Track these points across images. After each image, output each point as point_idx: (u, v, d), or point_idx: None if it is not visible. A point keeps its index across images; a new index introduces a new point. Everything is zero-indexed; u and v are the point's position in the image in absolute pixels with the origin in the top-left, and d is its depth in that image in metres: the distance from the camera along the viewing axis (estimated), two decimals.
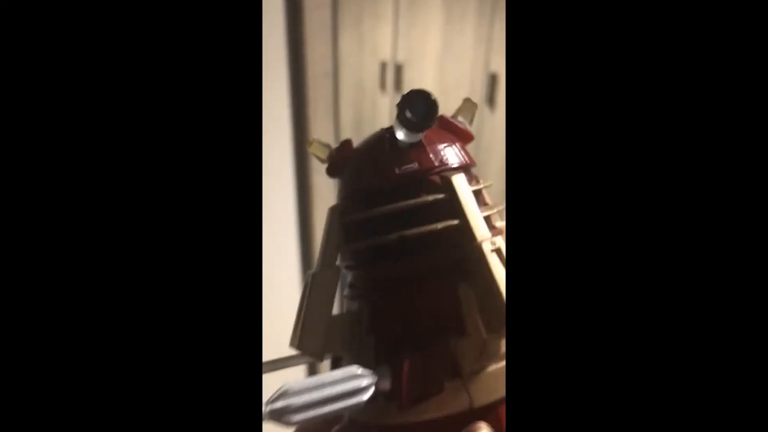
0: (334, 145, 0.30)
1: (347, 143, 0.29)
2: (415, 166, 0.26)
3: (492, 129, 1.77)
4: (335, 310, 0.27)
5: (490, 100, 1.71)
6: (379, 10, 2.02)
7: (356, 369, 0.23)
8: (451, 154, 0.27)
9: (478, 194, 0.27)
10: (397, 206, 0.25)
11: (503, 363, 0.24)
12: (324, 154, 0.30)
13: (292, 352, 0.27)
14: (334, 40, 0.90)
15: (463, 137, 0.29)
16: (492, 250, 0.24)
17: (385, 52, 1.96)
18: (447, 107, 1.20)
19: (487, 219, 0.26)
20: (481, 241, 0.24)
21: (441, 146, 0.27)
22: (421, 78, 1.87)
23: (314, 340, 0.25)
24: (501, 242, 0.24)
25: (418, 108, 0.23)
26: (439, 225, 0.25)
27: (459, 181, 0.26)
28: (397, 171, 0.26)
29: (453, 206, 0.25)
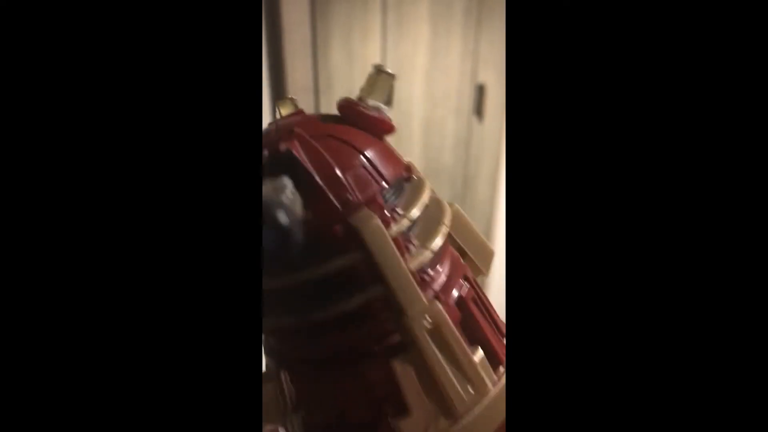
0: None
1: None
2: (308, 215, 0.19)
3: (480, 139, 1.84)
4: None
5: (479, 111, 1.78)
6: (368, 26, 2.08)
7: None
8: (361, 180, 0.20)
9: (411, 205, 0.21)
10: (293, 278, 0.19)
11: (457, 428, 0.20)
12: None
13: None
14: (314, 56, 0.93)
15: (379, 129, 0.22)
16: (427, 329, 0.19)
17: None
18: (435, 117, 1.20)
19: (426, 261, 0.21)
20: (411, 318, 0.19)
21: (341, 171, 0.20)
22: (410, 90, 1.93)
23: None
24: (438, 308, 0.19)
25: (268, 240, 0.17)
26: (355, 299, 0.19)
27: (372, 233, 0.19)
28: (288, 228, 0.19)
29: (370, 268, 0.19)
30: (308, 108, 1.08)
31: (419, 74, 1.94)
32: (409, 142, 2.02)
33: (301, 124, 0.21)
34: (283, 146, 0.19)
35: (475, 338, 0.21)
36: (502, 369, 0.21)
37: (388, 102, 0.23)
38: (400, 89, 1.99)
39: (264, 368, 0.23)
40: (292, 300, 0.20)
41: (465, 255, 0.24)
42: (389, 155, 0.22)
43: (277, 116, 0.25)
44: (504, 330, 0.22)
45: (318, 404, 0.22)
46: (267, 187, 0.18)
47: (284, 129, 0.20)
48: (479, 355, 0.20)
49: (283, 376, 0.22)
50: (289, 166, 0.18)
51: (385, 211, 0.20)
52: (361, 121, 0.22)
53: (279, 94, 1.01)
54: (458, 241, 0.24)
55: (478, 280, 0.24)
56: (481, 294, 0.22)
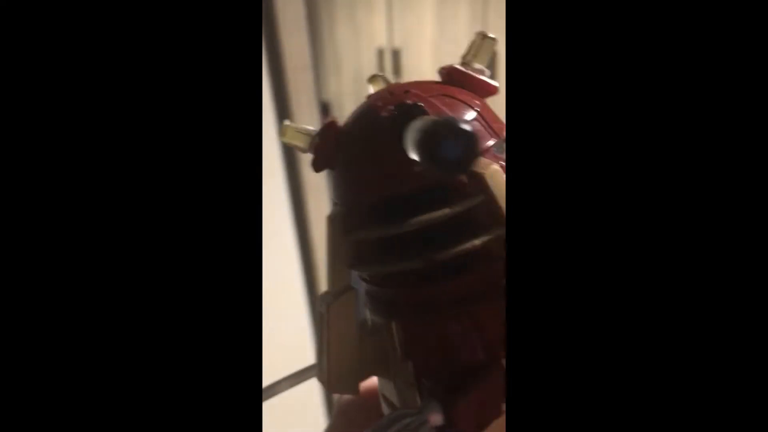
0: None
1: (331, 126, 0.22)
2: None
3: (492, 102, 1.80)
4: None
5: (491, 77, 1.74)
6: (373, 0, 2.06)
7: (407, 416, 0.21)
8: (482, 132, 0.20)
9: None
10: (415, 223, 0.19)
11: None
12: (304, 143, 0.23)
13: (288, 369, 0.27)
14: (311, 32, 0.91)
15: (484, 91, 0.22)
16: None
17: (382, 40, 2.00)
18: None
19: None
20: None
21: (470, 121, 0.20)
22: (419, 62, 1.90)
23: (343, 378, 0.22)
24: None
25: (450, 151, 0.16)
26: (476, 241, 0.20)
27: (495, 178, 0.19)
28: (406, 174, 0.19)
29: (491, 211, 0.19)
30: (307, 87, 1.03)
31: (427, 45, 1.92)
32: None
33: (414, 86, 0.21)
34: (411, 100, 0.19)
35: None
36: None
37: (490, 66, 0.23)
38: (408, 61, 1.97)
39: (367, 324, 0.24)
40: (416, 243, 0.20)
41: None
42: (494, 116, 0.22)
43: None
44: None
45: (432, 349, 0.22)
46: (422, 121, 0.17)
47: (398, 91, 0.20)
48: None
49: (394, 326, 0.22)
50: (418, 110, 0.19)
51: (499, 161, 0.20)
52: (468, 82, 0.22)
53: (276, 73, 0.99)
54: (498, 200, 0.24)
55: None
56: None
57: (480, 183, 0.19)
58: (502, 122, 0.22)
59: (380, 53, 1.98)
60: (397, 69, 1.92)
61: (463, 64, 0.23)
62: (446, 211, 0.19)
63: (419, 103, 0.19)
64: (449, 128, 0.16)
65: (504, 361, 0.21)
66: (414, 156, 0.16)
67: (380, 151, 0.21)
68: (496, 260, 0.20)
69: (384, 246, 0.21)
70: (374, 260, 0.21)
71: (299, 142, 0.23)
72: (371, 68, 2.03)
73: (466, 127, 0.16)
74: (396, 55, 1.91)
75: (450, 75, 0.22)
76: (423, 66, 1.88)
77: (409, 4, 1.89)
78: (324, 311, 0.22)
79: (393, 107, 0.20)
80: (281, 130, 0.23)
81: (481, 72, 0.23)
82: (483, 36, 0.23)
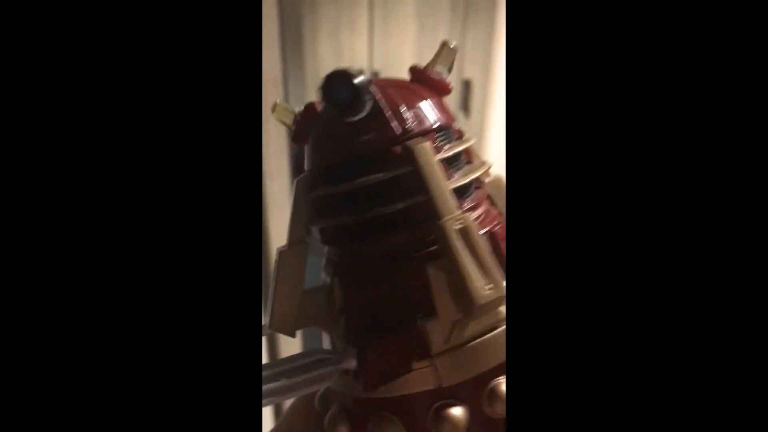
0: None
1: (311, 106, 0.26)
2: (372, 135, 0.23)
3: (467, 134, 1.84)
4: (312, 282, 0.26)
5: (465, 107, 1.79)
6: (356, 21, 2.09)
7: (319, 353, 0.23)
8: (419, 117, 0.24)
9: (458, 156, 0.25)
10: (354, 184, 0.23)
11: (473, 343, 0.23)
12: (289, 119, 0.27)
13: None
14: (282, 48, 0.93)
15: (438, 90, 0.26)
16: (457, 229, 0.22)
17: (362, 61, 2.03)
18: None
19: (470, 183, 0.25)
20: (445, 220, 0.22)
21: (406, 108, 0.23)
22: None
23: (284, 319, 0.25)
24: (470, 218, 0.22)
25: (339, 93, 0.21)
26: (400, 204, 0.23)
27: (422, 152, 0.23)
28: (351, 144, 0.23)
29: (418, 180, 0.22)
30: (277, 99, 1.05)
31: (406, 70, 1.95)
32: None
33: (379, 79, 0.25)
34: (365, 82, 0.22)
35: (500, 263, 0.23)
36: None
37: (449, 70, 0.27)
38: None
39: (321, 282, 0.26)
40: (353, 203, 0.23)
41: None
42: (444, 110, 0.25)
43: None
44: None
45: (359, 307, 0.24)
46: (338, 73, 0.21)
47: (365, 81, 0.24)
48: (502, 274, 0.22)
49: (334, 284, 0.25)
50: (370, 92, 0.22)
51: (435, 142, 0.24)
52: (426, 80, 0.26)
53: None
54: (497, 204, 0.27)
55: None
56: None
57: (410, 155, 0.22)
58: (453, 118, 0.25)
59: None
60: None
61: (427, 66, 0.26)
62: (379, 175, 0.23)
63: (357, 71, 0.22)
64: (338, 75, 0.20)
65: (420, 323, 0.23)
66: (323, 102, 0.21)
67: (330, 125, 0.24)
68: (419, 224, 0.23)
69: (329, 204, 0.24)
70: (322, 216, 0.25)
71: (285, 118, 0.27)
72: None
73: (355, 76, 0.20)
74: (375, 76, 1.93)
75: (413, 72, 0.26)
76: None
77: (391, 28, 1.93)
78: (276, 257, 0.25)
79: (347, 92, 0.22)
80: (273, 108, 0.27)
81: (439, 74, 0.26)
82: (444, 44, 0.27)
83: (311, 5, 2.37)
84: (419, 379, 0.23)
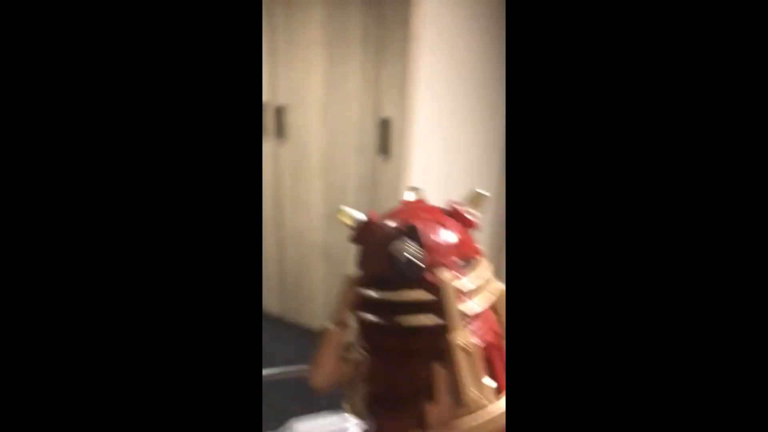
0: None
1: (372, 220, 0.37)
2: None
3: (387, 180, 1.60)
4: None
5: (384, 148, 1.54)
6: None
7: (347, 417, 0.40)
8: (448, 251, 0.34)
9: (486, 281, 0.35)
10: (392, 295, 0.33)
11: (459, 421, 0.32)
12: (351, 222, 0.38)
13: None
14: None
15: (467, 225, 0.36)
16: (460, 344, 0.31)
17: (265, 95, 1.75)
18: (336, 154, 1.66)
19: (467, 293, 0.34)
20: (452, 336, 0.31)
21: (441, 244, 0.34)
22: (305, 122, 1.67)
23: (324, 378, 0.36)
24: (472, 339, 0.32)
25: (399, 267, 0.32)
26: (427, 320, 0.32)
27: (447, 284, 0.32)
28: (408, 266, 0.33)
29: (439, 306, 0.32)
30: None
31: (315, 106, 1.69)
32: (308, 183, 1.75)
33: (423, 210, 0.35)
34: (410, 223, 0.33)
35: (490, 372, 0.33)
36: (502, 397, 0.33)
37: (480, 211, 0.36)
38: (294, 119, 1.73)
39: (355, 352, 0.37)
40: (389, 308, 0.33)
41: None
42: (468, 242, 0.35)
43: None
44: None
45: (380, 380, 0.34)
46: (399, 243, 0.33)
47: (412, 210, 0.36)
48: (490, 381, 0.32)
49: (364, 359, 0.35)
50: (412, 233, 0.32)
51: (456, 272, 0.33)
52: (463, 220, 0.36)
53: None
54: (498, 311, 0.36)
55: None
56: (501, 345, 0.34)
57: (437, 288, 0.33)
58: (474, 246, 0.36)
59: (263, 109, 1.73)
60: (280, 127, 1.67)
61: (462, 206, 0.37)
62: (412, 293, 0.33)
63: (410, 227, 0.33)
64: (401, 254, 0.32)
65: (423, 404, 0.32)
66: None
67: (386, 246, 0.35)
68: (434, 334, 0.32)
69: (374, 303, 0.35)
70: (366, 310, 0.35)
71: (348, 221, 0.38)
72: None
73: (412, 257, 0.32)
74: (280, 111, 1.66)
75: (452, 212, 0.37)
76: (311, 124, 1.64)
77: (294, 62, 1.65)
78: (324, 332, 0.37)
79: (398, 224, 0.35)
80: (339, 212, 0.38)
81: (471, 213, 0.36)
82: (477, 193, 0.38)
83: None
84: None
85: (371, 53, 1.52)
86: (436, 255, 0.33)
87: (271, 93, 1.73)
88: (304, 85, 1.66)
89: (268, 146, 1.81)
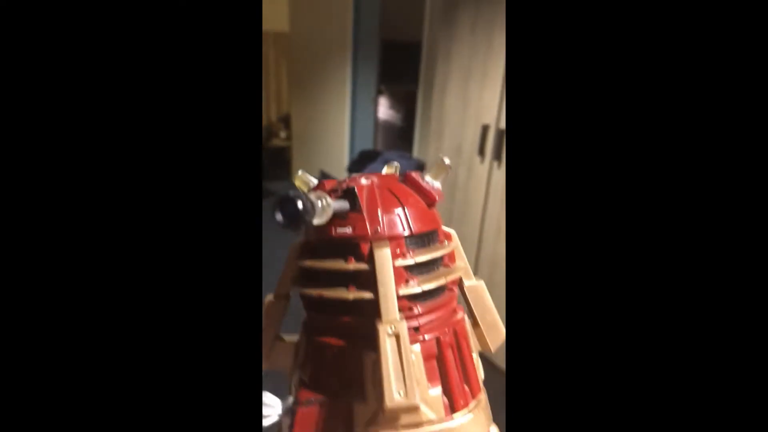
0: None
1: (321, 184, 0.30)
2: (348, 230, 0.26)
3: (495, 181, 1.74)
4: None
5: (481, 150, 1.66)
6: (489, 72, 1.75)
7: (272, 399, 0.30)
8: (392, 222, 0.27)
9: (432, 261, 0.28)
10: (322, 264, 0.27)
11: None
12: (305, 189, 0.32)
13: None
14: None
15: (426, 197, 0.29)
16: (389, 333, 0.24)
17: (492, 114, 1.85)
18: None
19: (431, 288, 0.27)
20: (381, 323, 0.25)
21: (382, 212, 0.27)
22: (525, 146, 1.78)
23: (267, 356, 0.30)
24: (404, 327, 0.25)
25: (286, 212, 0.24)
26: (351, 294, 0.26)
27: (382, 255, 0.26)
28: (332, 232, 0.27)
29: (370, 277, 0.26)
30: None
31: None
32: None
33: (379, 177, 0.29)
34: (351, 185, 0.27)
35: (441, 377, 0.26)
36: (456, 415, 0.26)
37: (441, 181, 0.30)
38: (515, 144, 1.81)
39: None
40: (319, 278, 0.27)
41: (477, 326, 0.31)
42: (425, 217, 0.28)
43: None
44: (476, 387, 0.28)
45: (309, 367, 0.28)
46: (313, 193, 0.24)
47: (368, 176, 0.28)
48: (437, 389, 0.25)
49: (301, 342, 0.30)
50: (354, 197, 0.26)
51: (398, 248, 0.26)
52: (416, 188, 0.29)
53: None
54: (475, 313, 0.30)
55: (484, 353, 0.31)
56: (465, 351, 0.27)
57: (371, 257, 0.26)
58: (435, 224, 0.29)
59: (484, 130, 1.87)
60: (498, 150, 1.87)
61: (420, 175, 0.30)
62: (340, 263, 0.26)
63: (352, 190, 0.26)
64: (283, 198, 0.23)
65: (350, 400, 0.26)
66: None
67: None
68: (365, 316, 0.26)
69: (307, 274, 0.29)
70: (299, 282, 0.29)
71: (303, 186, 0.32)
72: (473, 143, 1.89)
73: (297, 201, 0.23)
74: (500, 135, 1.80)
75: (406, 178, 0.30)
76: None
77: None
78: (264, 305, 0.30)
79: (345, 185, 0.28)
80: (297, 176, 0.32)
81: (429, 184, 0.29)
82: (441, 162, 0.30)
83: (446, 51, 1.90)
84: None
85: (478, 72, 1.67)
86: (374, 223, 0.26)
87: (496, 116, 1.78)
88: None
89: (485, 167, 1.86)
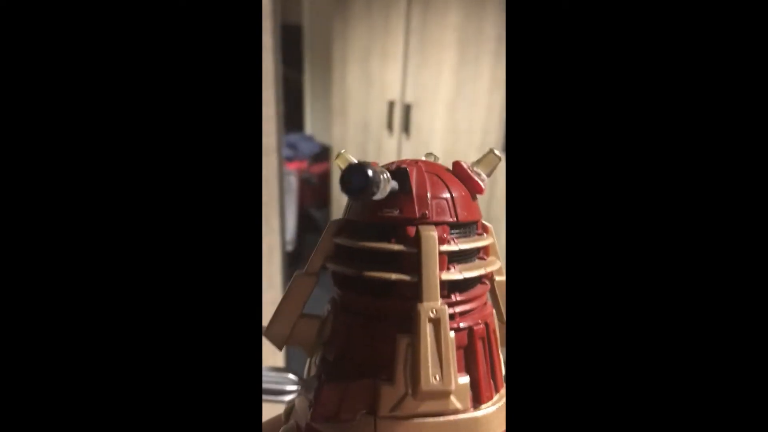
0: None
1: (361, 163, 0.27)
2: (395, 212, 0.26)
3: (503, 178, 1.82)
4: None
5: (484, 182, 1.75)
6: (389, 50, 1.85)
7: (291, 375, 0.28)
8: (440, 208, 0.27)
9: (469, 251, 0.28)
10: (367, 245, 0.26)
11: (417, 421, 0.25)
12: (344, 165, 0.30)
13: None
14: (276, 86, 1.01)
15: (471, 188, 0.28)
16: (430, 317, 0.25)
17: (394, 90, 1.95)
18: (456, 150, 1.82)
19: (468, 278, 0.27)
20: (423, 306, 0.25)
21: (431, 197, 0.27)
22: (431, 119, 1.88)
23: (278, 333, 0.29)
24: (446, 312, 0.25)
25: (356, 181, 0.23)
26: (393, 276, 0.25)
27: (428, 238, 0.25)
28: (378, 212, 0.26)
29: (414, 261, 0.25)
30: (269, 131, 1.15)
31: (441, 103, 1.81)
32: None
33: (425, 163, 0.28)
34: (403, 166, 0.26)
35: (469, 368, 0.26)
36: (481, 407, 0.26)
37: (490, 174, 0.29)
38: (419, 117, 1.91)
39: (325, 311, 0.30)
40: (360, 258, 0.27)
41: (503, 322, 0.31)
42: (470, 207, 0.28)
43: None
44: (500, 381, 0.28)
45: (336, 345, 0.27)
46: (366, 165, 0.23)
47: (413, 161, 0.28)
48: (465, 379, 0.25)
49: (328, 319, 0.28)
50: (405, 178, 0.26)
51: (444, 234, 0.26)
52: (463, 177, 0.28)
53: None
54: (502, 309, 0.30)
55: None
56: (494, 344, 0.28)
57: (417, 238, 0.25)
58: (477, 215, 0.28)
59: (390, 106, 1.96)
60: (407, 124, 1.95)
61: (470, 165, 0.29)
62: (386, 245, 0.26)
63: (405, 170, 0.26)
64: (353, 167, 0.23)
65: (377, 381, 0.25)
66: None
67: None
68: (405, 300, 0.25)
69: (345, 253, 0.28)
70: (337, 260, 0.28)
71: (342, 165, 0.30)
72: (380, 119, 1.94)
73: (367, 170, 0.22)
74: (407, 109, 1.86)
75: (455, 166, 0.29)
76: (434, 124, 1.83)
77: (427, 61, 1.83)
78: (292, 279, 0.29)
79: (392, 167, 0.27)
80: (336, 155, 0.31)
81: (478, 174, 0.28)
82: (491, 152, 0.29)
83: (341, 30, 2.01)
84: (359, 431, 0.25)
85: (502, 56, 1.56)
86: (423, 207, 0.26)
87: (401, 91, 1.85)
88: (434, 84, 1.77)
89: (393, 141, 1.92)
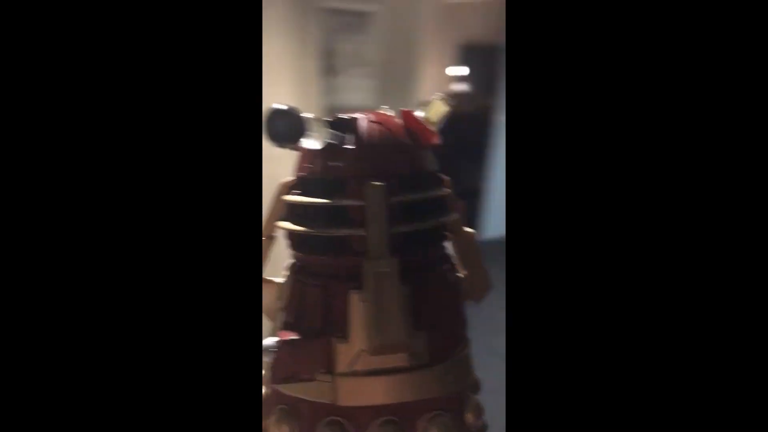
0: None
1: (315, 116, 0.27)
2: (340, 164, 0.25)
3: None
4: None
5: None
6: None
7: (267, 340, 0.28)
8: (387, 159, 0.26)
9: (427, 203, 0.26)
10: (311, 201, 0.25)
11: (378, 377, 0.25)
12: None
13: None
14: None
15: (422, 137, 0.27)
16: (379, 271, 0.24)
17: None
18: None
19: (425, 231, 0.26)
20: (371, 261, 0.24)
21: (376, 148, 0.26)
22: None
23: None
24: (395, 266, 0.24)
25: (280, 126, 0.23)
26: (341, 232, 0.25)
27: (375, 191, 0.24)
28: (321, 165, 0.26)
29: (359, 211, 0.25)
30: None
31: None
32: None
33: (373, 113, 0.27)
34: (347, 116, 0.25)
35: (426, 323, 0.25)
36: (440, 362, 0.25)
37: (439, 124, 0.27)
38: None
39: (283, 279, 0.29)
40: (308, 215, 0.26)
41: (465, 275, 0.30)
42: (421, 158, 0.27)
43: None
44: (459, 337, 0.28)
45: (293, 307, 0.27)
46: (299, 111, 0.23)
47: (362, 113, 0.27)
48: (420, 334, 0.25)
49: (286, 283, 0.28)
50: (348, 128, 0.25)
51: (392, 187, 0.25)
52: (413, 126, 0.27)
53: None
54: (462, 261, 0.29)
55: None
56: (452, 299, 0.28)
57: (363, 192, 0.25)
58: (422, 165, 0.27)
59: None
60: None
61: (418, 114, 0.28)
62: (331, 201, 0.25)
63: (354, 121, 0.25)
64: (277, 111, 0.22)
65: (332, 339, 0.25)
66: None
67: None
68: (355, 254, 0.25)
69: (296, 211, 0.27)
70: (287, 218, 0.28)
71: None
72: None
73: (291, 113, 0.22)
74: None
75: (404, 115, 0.28)
76: None
77: None
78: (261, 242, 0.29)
79: (345, 116, 0.26)
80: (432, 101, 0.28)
81: (426, 123, 0.27)
82: (437, 101, 0.27)
83: None
84: (318, 390, 0.25)
85: None
86: (370, 158, 0.25)
87: None
88: None
89: None
